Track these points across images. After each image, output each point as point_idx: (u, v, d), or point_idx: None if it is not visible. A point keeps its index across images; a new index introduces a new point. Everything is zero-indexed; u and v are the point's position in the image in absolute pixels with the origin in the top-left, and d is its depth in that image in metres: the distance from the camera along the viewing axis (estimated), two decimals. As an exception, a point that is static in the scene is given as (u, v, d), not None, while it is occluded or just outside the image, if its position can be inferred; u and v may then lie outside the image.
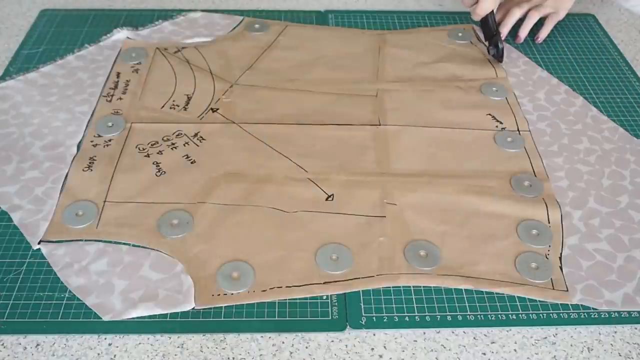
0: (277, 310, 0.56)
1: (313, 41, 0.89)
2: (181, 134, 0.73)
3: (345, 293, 0.58)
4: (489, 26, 0.85)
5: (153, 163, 0.69)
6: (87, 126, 0.74)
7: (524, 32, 0.89)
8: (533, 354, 0.54)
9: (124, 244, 0.61)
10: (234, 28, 0.91)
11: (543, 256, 0.61)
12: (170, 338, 0.55)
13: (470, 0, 0.85)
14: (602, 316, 0.57)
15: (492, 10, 0.84)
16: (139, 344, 0.54)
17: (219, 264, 0.59)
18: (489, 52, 0.86)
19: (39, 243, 0.61)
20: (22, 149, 0.71)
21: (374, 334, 0.55)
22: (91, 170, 0.68)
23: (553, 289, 0.58)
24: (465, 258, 0.61)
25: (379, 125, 0.75)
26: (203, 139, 0.73)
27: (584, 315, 0.57)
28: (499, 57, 0.85)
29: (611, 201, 0.67)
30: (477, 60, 0.86)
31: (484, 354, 0.54)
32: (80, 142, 0.72)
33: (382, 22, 0.94)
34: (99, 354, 0.53)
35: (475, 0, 0.84)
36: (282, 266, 0.59)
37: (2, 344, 0.54)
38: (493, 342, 0.55)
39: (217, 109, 0.77)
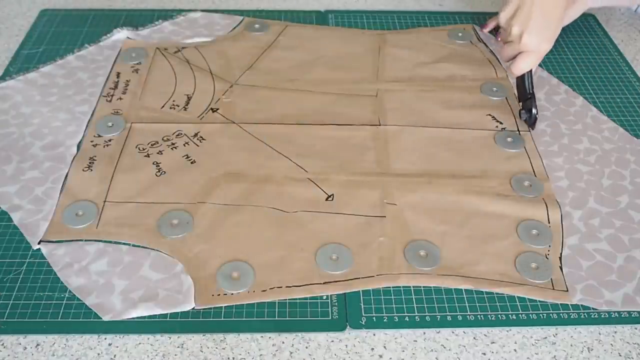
0: (277, 310, 0.56)
1: (313, 41, 0.89)
2: (181, 134, 0.73)
3: (345, 293, 0.58)
4: (524, 87, 0.76)
5: (153, 163, 0.69)
6: (87, 126, 0.74)
7: None
8: (533, 354, 0.54)
9: (124, 244, 0.61)
10: (234, 28, 0.91)
11: (543, 256, 0.61)
12: (170, 338, 0.55)
13: (507, 55, 0.77)
14: (602, 316, 0.57)
15: (531, 71, 0.76)
16: (139, 344, 0.54)
17: (219, 264, 0.59)
18: (520, 116, 0.76)
19: (39, 243, 0.61)
20: (22, 149, 0.71)
21: (374, 334, 0.55)
22: (91, 170, 0.68)
23: (553, 289, 0.58)
24: (465, 258, 0.61)
25: (379, 125, 0.75)
26: (203, 139, 0.73)
27: (584, 315, 0.57)
28: (530, 123, 0.75)
29: (611, 201, 0.67)
30: (477, 60, 0.86)
31: (484, 354, 0.54)
32: (80, 142, 0.72)
33: (382, 22, 0.94)
34: (99, 354, 0.53)
35: (513, 56, 0.76)
36: (282, 266, 0.59)
37: (2, 344, 0.54)
38: (493, 342, 0.55)
39: (217, 109, 0.77)
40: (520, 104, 0.77)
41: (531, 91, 0.75)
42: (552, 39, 0.73)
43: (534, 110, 0.74)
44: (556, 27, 0.73)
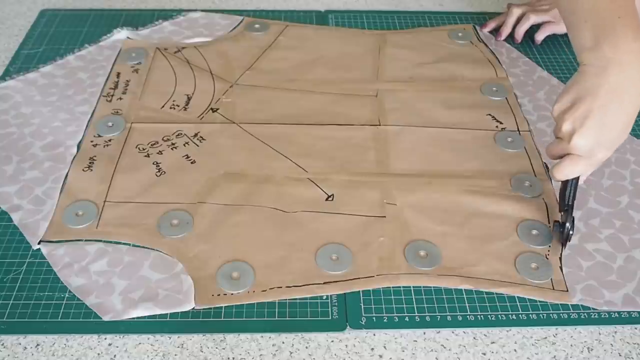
0: (277, 310, 0.56)
1: (313, 41, 0.89)
2: (181, 134, 0.73)
3: (345, 293, 0.58)
4: (564, 196, 0.61)
5: (153, 163, 0.69)
6: (87, 126, 0.74)
7: (518, 33, 0.89)
8: (533, 354, 0.54)
9: (124, 244, 0.61)
10: (234, 28, 0.91)
11: (543, 256, 0.61)
12: (170, 338, 0.55)
13: (553, 153, 0.62)
14: (602, 316, 0.57)
15: (577, 178, 0.61)
16: (139, 344, 0.54)
17: (219, 264, 0.59)
18: (552, 227, 0.63)
19: (39, 243, 0.61)
20: (22, 149, 0.71)
21: (374, 334, 0.55)
22: (91, 170, 0.68)
23: (553, 289, 0.58)
24: (465, 258, 0.61)
25: (379, 125, 0.75)
26: (203, 139, 0.73)
27: (584, 315, 0.57)
28: (562, 239, 0.61)
29: (611, 201, 0.67)
30: (477, 60, 0.86)
31: (484, 354, 0.54)
32: (80, 142, 0.72)
33: (382, 22, 0.94)
34: (99, 354, 0.53)
35: (559, 156, 0.61)
36: (282, 266, 0.59)
37: (2, 344, 0.54)
38: (493, 342, 0.55)
39: (217, 109, 0.77)
40: (561, 214, 0.62)
41: (570, 202, 0.61)
42: (612, 147, 0.59)
43: (567, 225, 0.60)
44: (619, 135, 0.58)
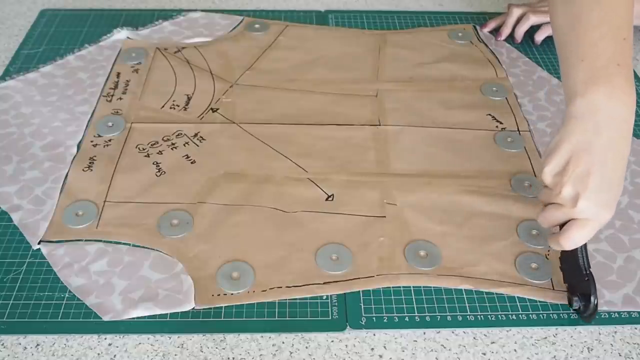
0: (277, 310, 0.56)
1: (313, 41, 0.89)
2: (181, 134, 0.73)
3: (345, 293, 0.58)
4: (578, 265, 0.55)
5: (153, 163, 0.69)
6: (87, 126, 0.74)
7: (518, 33, 0.89)
8: (533, 354, 0.54)
9: (124, 244, 0.61)
10: (234, 28, 0.91)
11: (543, 256, 0.61)
12: (170, 338, 0.55)
13: (552, 220, 0.56)
14: (602, 316, 0.57)
15: (585, 245, 0.55)
16: (139, 344, 0.54)
17: (219, 264, 0.59)
18: (570, 304, 0.57)
19: (39, 243, 0.61)
20: (22, 149, 0.71)
21: (374, 334, 0.55)
22: (91, 170, 0.68)
23: (553, 289, 0.58)
24: (465, 258, 0.61)
25: (379, 125, 0.75)
26: (203, 139, 0.73)
27: (584, 316, 0.57)
28: (588, 314, 0.55)
29: (611, 201, 0.67)
30: (477, 60, 0.86)
31: (484, 354, 0.54)
32: (80, 142, 0.72)
33: (382, 22, 0.94)
34: (99, 354, 0.53)
35: (560, 223, 0.56)
36: (282, 266, 0.59)
37: (2, 344, 0.54)
38: (493, 342, 0.55)
39: (217, 109, 0.77)
40: (565, 285, 0.58)
41: (588, 270, 0.55)
42: (614, 205, 0.54)
43: (593, 299, 0.54)
44: (618, 190, 0.54)
